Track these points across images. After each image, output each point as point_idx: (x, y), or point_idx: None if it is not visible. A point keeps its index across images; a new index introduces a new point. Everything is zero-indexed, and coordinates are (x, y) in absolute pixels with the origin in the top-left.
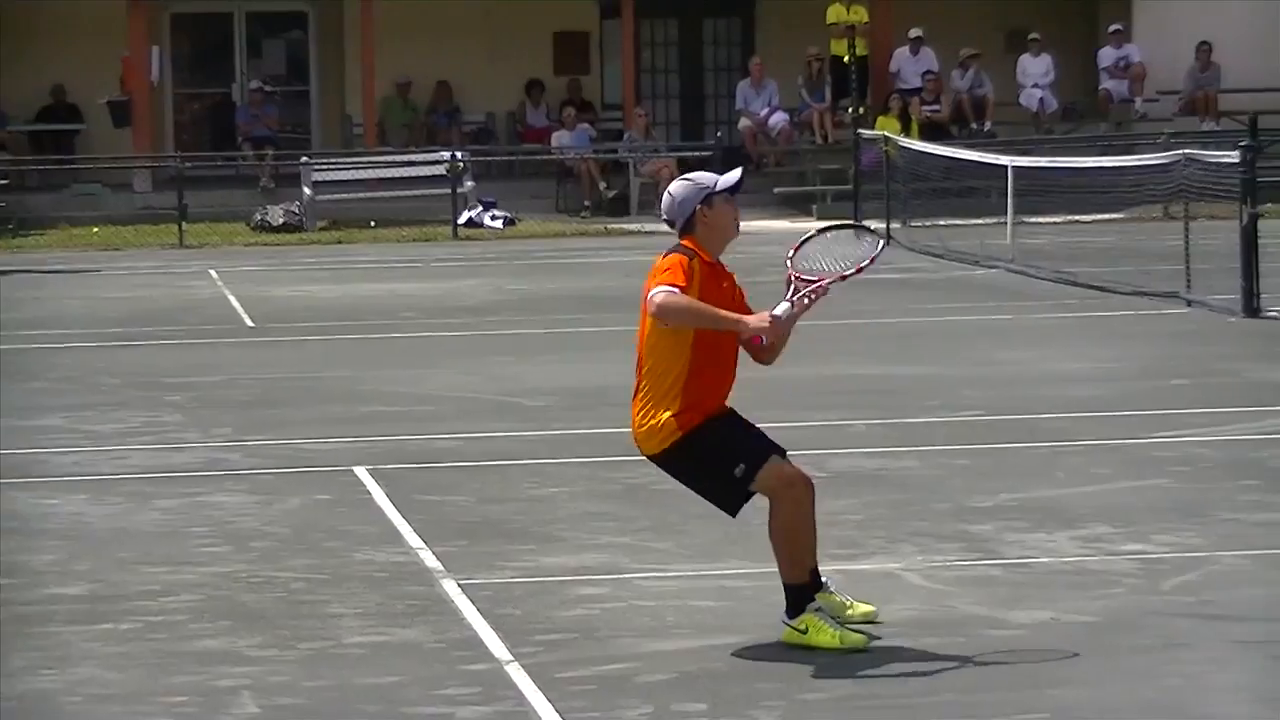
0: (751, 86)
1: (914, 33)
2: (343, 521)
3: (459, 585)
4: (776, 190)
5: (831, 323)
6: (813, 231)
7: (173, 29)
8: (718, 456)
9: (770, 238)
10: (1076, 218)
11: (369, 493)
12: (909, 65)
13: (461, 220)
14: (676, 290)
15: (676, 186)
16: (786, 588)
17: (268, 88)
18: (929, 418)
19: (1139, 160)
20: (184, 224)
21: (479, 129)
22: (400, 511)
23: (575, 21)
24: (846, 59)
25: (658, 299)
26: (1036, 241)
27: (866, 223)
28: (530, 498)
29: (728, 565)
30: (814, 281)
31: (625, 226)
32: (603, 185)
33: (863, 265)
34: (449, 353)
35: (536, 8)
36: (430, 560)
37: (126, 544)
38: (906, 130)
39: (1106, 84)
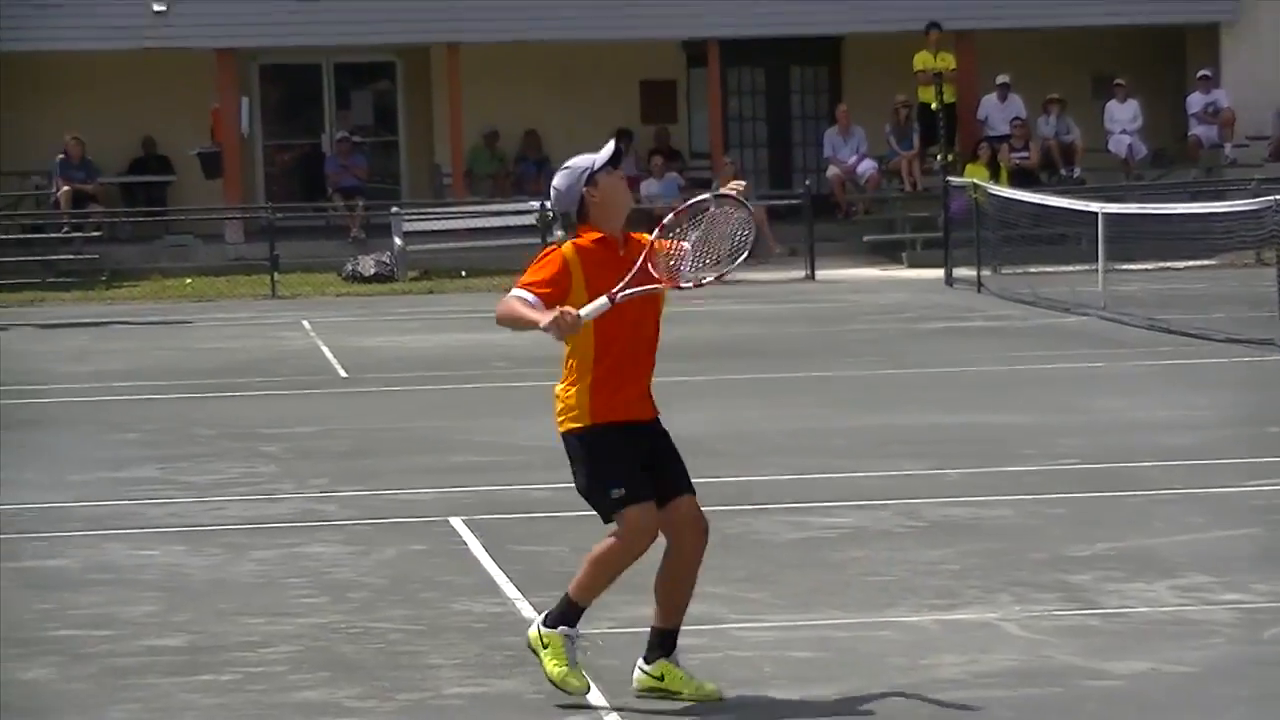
0: (839, 134)
1: (1001, 79)
2: (439, 572)
3: None
4: (866, 238)
5: (922, 371)
6: (707, 201)
7: (262, 80)
8: (605, 470)
9: (861, 286)
10: (1168, 264)
11: (464, 543)
12: (997, 112)
13: None
14: (521, 296)
15: (558, 179)
16: (566, 596)
17: (355, 138)
18: (1024, 466)
19: (1230, 206)
20: (276, 275)
21: None
22: (496, 562)
23: (662, 70)
24: (934, 106)
25: (497, 308)
26: (1128, 288)
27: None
28: None
29: (824, 615)
30: (655, 281)
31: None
32: None
33: (704, 281)
34: (541, 402)
35: (624, 57)
36: (528, 610)
37: (225, 595)
38: (995, 177)
39: (1195, 129)
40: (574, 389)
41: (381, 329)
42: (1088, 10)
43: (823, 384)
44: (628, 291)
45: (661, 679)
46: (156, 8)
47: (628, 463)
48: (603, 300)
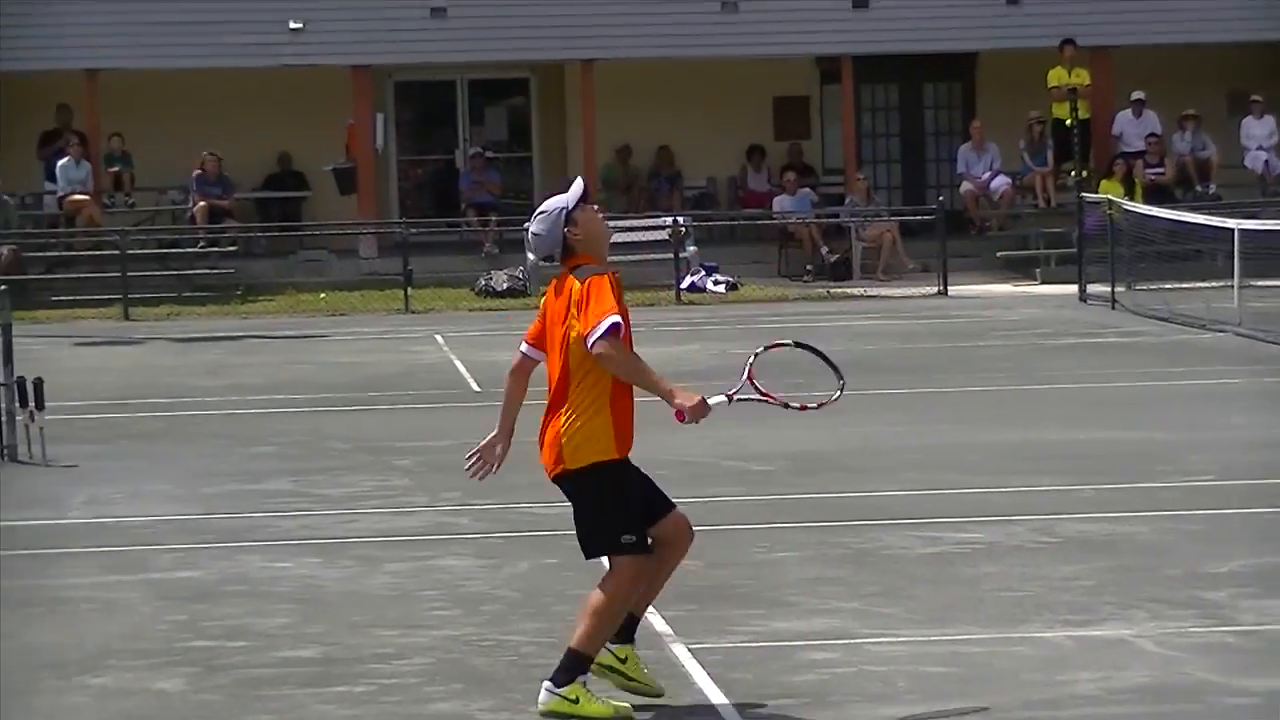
0: (973, 150)
1: (1136, 95)
2: (571, 586)
3: (689, 649)
4: (999, 254)
5: (1056, 387)
6: (790, 345)
7: (396, 97)
8: (623, 513)
9: (994, 301)
10: None
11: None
12: (1131, 128)
13: (684, 284)
14: (618, 333)
15: (535, 226)
16: (572, 652)
17: (488, 153)
18: (1159, 482)
19: None
20: (409, 289)
21: (700, 194)
22: None
23: (796, 86)
24: (1068, 122)
25: (603, 346)
26: (1264, 305)
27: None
28: (758, 562)
29: (958, 630)
30: (763, 395)
31: (848, 291)
32: (824, 249)
33: (809, 406)
34: (672, 417)
35: (757, 73)
36: (660, 624)
37: (358, 607)
38: (1130, 193)
39: None
40: (595, 421)
41: (514, 343)
42: (1224, 26)
43: (956, 399)
44: (744, 397)
45: (625, 661)
46: (293, 25)
47: (637, 507)
48: (722, 397)
